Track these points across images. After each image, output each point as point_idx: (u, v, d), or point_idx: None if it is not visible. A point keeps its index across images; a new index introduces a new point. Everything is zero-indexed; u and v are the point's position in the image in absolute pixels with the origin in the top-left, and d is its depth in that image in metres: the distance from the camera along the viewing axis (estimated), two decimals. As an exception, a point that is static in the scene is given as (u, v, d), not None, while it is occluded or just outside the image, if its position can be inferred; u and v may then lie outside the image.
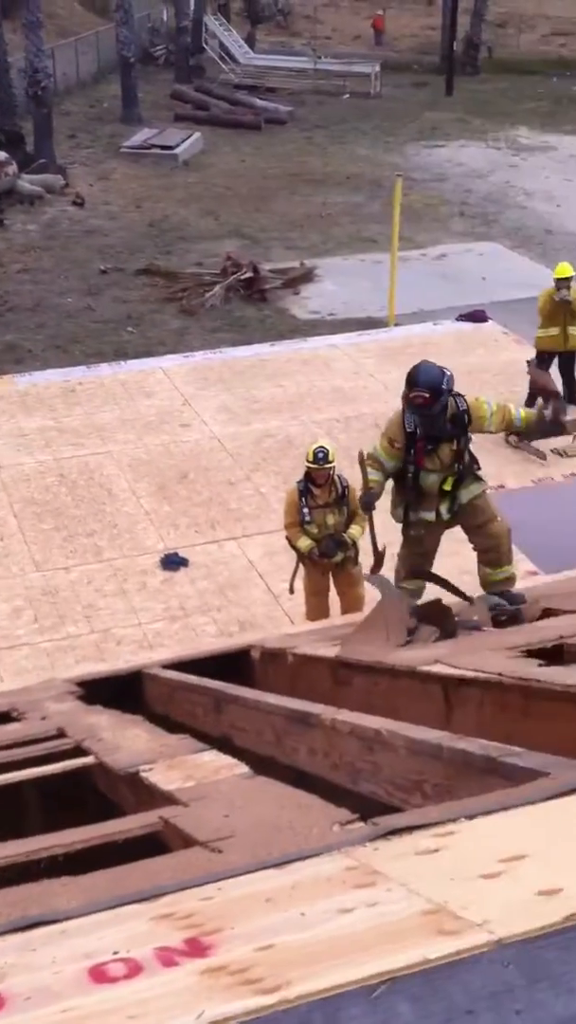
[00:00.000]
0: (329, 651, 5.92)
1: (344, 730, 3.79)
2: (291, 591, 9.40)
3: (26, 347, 19.35)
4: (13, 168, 27.52)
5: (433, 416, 7.88)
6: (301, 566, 9.30)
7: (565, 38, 53.47)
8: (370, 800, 3.51)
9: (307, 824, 2.70)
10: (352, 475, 8.91)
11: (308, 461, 9.05)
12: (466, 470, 8.13)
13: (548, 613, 5.57)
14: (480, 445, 12.42)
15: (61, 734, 4.97)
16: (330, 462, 8.97)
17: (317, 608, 9.28)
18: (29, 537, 10.95)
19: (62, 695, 6.69)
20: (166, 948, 1.83)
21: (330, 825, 2.64)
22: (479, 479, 8.26)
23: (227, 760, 3.82)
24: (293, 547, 9.27)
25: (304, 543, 9.06)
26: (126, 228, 26.25)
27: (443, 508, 8.16)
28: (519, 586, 8.28)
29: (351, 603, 9.11)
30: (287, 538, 9.36)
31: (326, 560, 9.01)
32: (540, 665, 3.95)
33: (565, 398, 13.81)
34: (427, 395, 7.75)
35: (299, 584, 9.37)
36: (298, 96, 41.65)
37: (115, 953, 1.85)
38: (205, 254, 24.39)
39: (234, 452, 12.66)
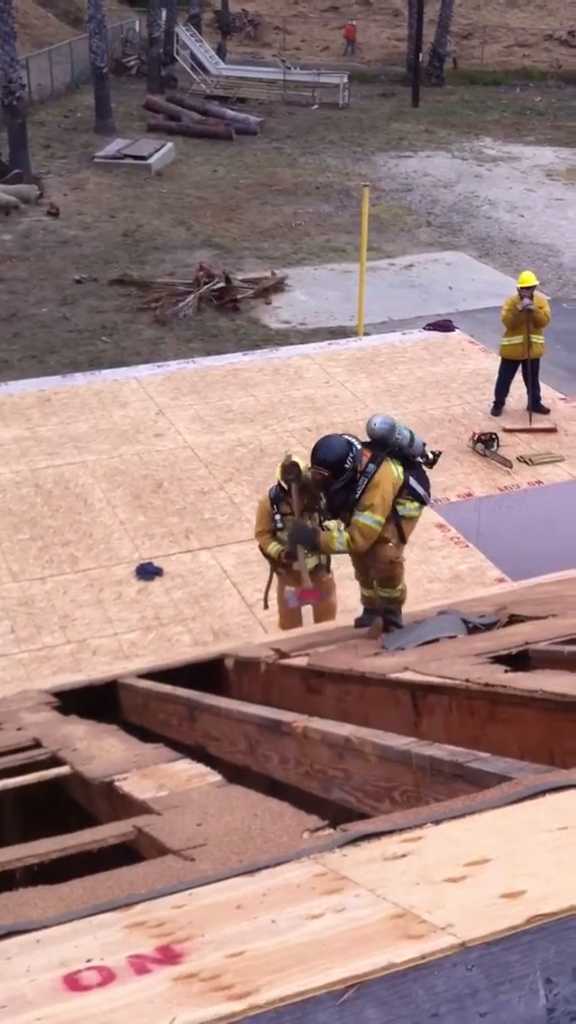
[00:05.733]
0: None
1: (315, 738, 3.83)
2: (265, 606, 9.37)
3: (2, 357, 19.36)
4: (-13, 178, 27.58)
5: (332, 492, 7.74)
6: (275, 577, 9.30)
7: (527, 49, 53.91)
8: (343, 807, 3.55)
9: (278, 831, 2.74)
10: None
11: (280, 479, 8.97)
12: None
13: (514, 620, 5.62)
14: (447, 453, 12.58)
15: (37, 745, 4.99)
16: (302, 482, 8.93)
17: (290, 617, 9.29)
18: (5, 547, 10.94)
19: (38, 706, 6.69)
20: (139, 956, 1.85)
21: (300, 832, 2.67)
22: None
23: (200, 769, 3.85)
24: (265, 555, 9.24)
25: (275, 548, 9.02)
26: (100, 238, 26.27)
27: None
28: (486, 593, 8.34)
29: (324, 612, 9.14)
30: (261, 548, 9.34)
31: (292, 560, 8.89)
32: (506, 671, 4.00)
33: (528, 405, 13.95)
34: (326, 473, 7.61)
35: (272, 594, 9.38)
36: (268, 106, 41.82)
37: (89, 961, 1.87)
38: (178, 264, 24.44)
39: (208, 461, 12.69)
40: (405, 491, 7.82)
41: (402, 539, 8.09)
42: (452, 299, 22.70)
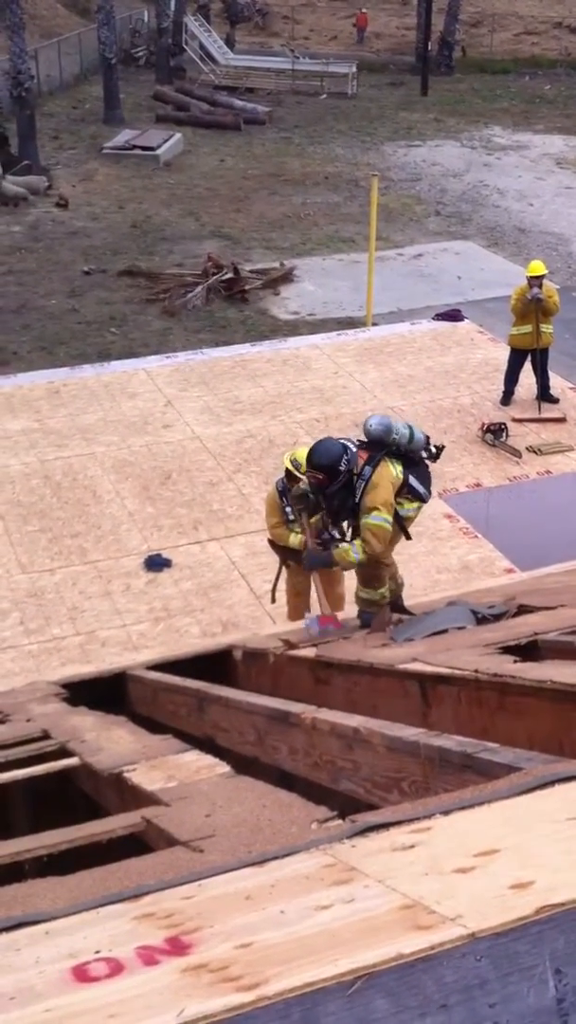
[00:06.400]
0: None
1: (324, 729, 3.82)
2: (273, 600, 9.37)
3: (11, 349, 19.37)
4: (-3, 169, 27.59)
5: (329, 495, 7.81)
6: (284, 569, 9.28)
7: (537, 37, 53.77)
8: (351, 798, 3.55)
9: (287, 822, 2.74)
10: None
11: (298, 471, 8.93)
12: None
13: (524, 610, 5.61)
14: (456, 443, 12.57)
15: (45, 736, 4.99)
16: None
17: (299, 608, 9.27)
18: (15, 539, 10.95)
19: (47, 697, 6.71)
20: (148, 947, 1.85)
21: (309, 823, 2.67)
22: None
23: (208, 760, 3.85)
24: (279, 549, 9.18)
25: (296, 539, 8.94)
26: (109, 229, 26.26)
27: None
28: (496, 583, 8.34)
29: (332, 602, 9.12)
30: (270, 541, 9.30)
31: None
32: (515, 661, 3.99)
33: (538, 395, 13.92)
34: (320, 476, 7.67)
35: (281, 586, 9.37)
36: (277, 96, 41.76)
37: (97, 953, 1.87)
38: (186, 255, 24.43)
39: (216, 453, 12.68)
40: (405, 490, 7.82)
41: (406, 535, 8.10)
42: (461, 289, 22.66)
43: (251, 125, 36.84)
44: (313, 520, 8.54)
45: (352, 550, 7.81)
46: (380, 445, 7.78)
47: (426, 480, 8.03)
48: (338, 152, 34.15)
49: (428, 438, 8.15)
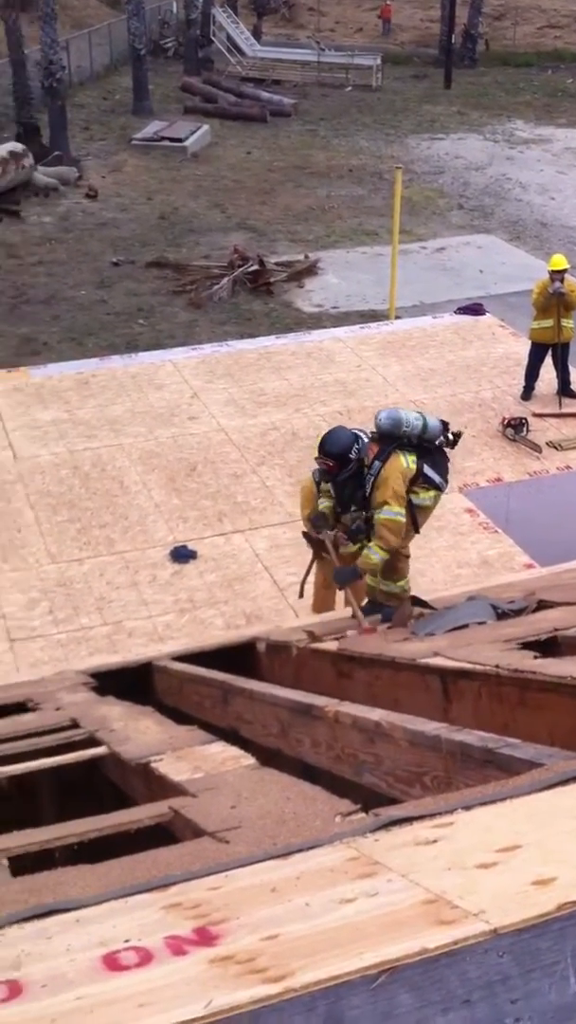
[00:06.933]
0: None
1: (346, 722, 3.85)
2: (301, 595, 9.35)
3: (42, 339, 19.46)
4: (29, 160, 27.61)
5: (339, 483, 8.05)
6: (316, 563, 9.24)
7: (560, 31, 53.41)
8: (374, 791, 3.58)
9: (311, 815, 2.77)
10: None
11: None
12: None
13: (543, 605, 5.62)
14: (477, 437, 12.55)
15: (74, 725, 5.03)
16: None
17: (325, 600, 9.28)
18: (44, 529, 11.00)
19: (75, 686, 6.75)
20: (176, 937, 1.88)
21: (333, 816, 2.70)
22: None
23: (234, 751, 3.88)
24: (312, 541, 9.10)
25: (325, 505, 8.89)
26: (137, 220, 26.31)
27: None
28: (516, 578, 8.37)
29: (357, 594, 9.12)
30: (304, 533, 9.19)
31: (317, 533, 8.83)
32: (536, 657, 4.01)
33: (558, 390, 13.88)
34: (331, 463, 7.89)
35: (310, 579, 9.34)
36: (302, 88, 41.67)
37: (127, 941, 1.90)
38: (213, 246, 24.45)
39: (241, 445, 12.71)
40: (420, 480, 7.89)
41: (415, 529, 8.16)
42: (483, 282, 22.60)
43: (277, 117, 36.80)
44: (332, 534, 8.57)
45: (370, 552, 7.89)
46: (391, 438, 7.86)
47: (442, 468, 8.10)
48: (362, 145, 34.08)
49: (446, 424, 8.19)
